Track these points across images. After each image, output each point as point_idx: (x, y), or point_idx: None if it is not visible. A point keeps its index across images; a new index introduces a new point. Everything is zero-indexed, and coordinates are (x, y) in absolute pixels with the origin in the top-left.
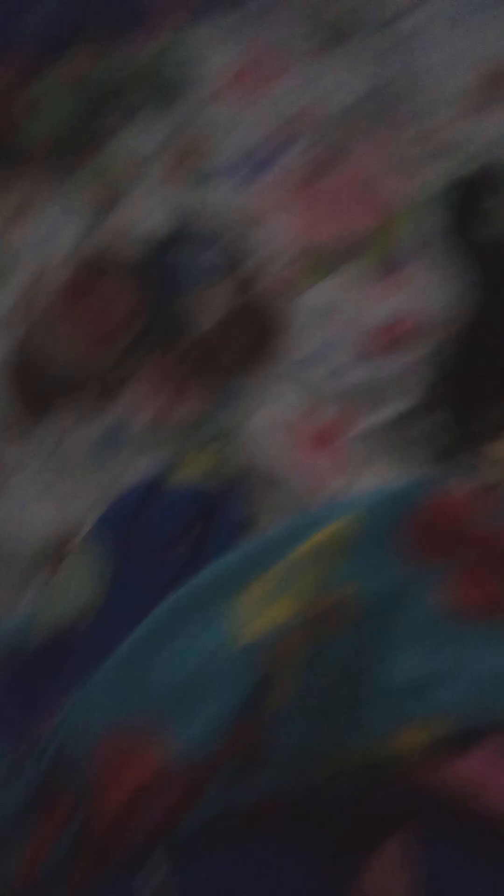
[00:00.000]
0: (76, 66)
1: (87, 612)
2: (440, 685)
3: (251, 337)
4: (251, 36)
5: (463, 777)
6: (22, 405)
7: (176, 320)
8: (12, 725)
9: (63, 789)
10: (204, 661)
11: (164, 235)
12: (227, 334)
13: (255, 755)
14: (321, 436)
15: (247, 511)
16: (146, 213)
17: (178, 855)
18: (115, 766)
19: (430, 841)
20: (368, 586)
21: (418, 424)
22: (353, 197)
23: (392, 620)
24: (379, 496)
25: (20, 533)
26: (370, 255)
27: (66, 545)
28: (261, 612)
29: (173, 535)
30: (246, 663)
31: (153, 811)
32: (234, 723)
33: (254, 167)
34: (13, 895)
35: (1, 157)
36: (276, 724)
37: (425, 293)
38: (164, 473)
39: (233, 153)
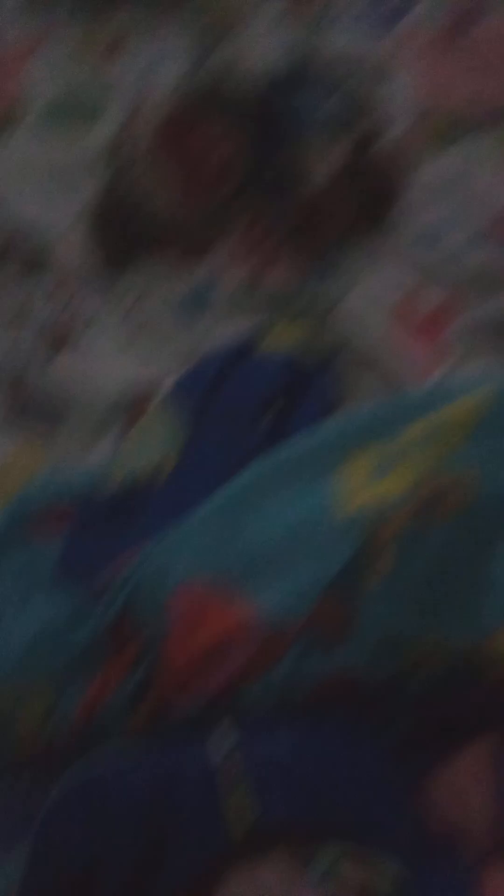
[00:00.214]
0: None
1: (162, 469)
2: None
3: (363, 203)
4: None
5: None
6: (104, 254)
7: (281, 174)
8: (81, 568)
9: (133, 634)
10: (299, 528)
11: (279, 77)
12: (336, 196)
13: (338, 631)
14: (426, 320)
15: (337, 390)
16: (260, 52)
17: (245, 728)
18: (192, 618)
19: None
20: (492, 474)
21: None
22: (497, 58)
23: None
24: None
25: (95, 386)
26: (498, 128)
27: (142, 403)
28: (367, 485)
29: (257, 403)
30: (346, 535)
31: (224, 669)
32: (323, 593)
33: (385, 15)
34: (70, 731)
35: None
36: (367, 602)
37: None
38: (251, 341)
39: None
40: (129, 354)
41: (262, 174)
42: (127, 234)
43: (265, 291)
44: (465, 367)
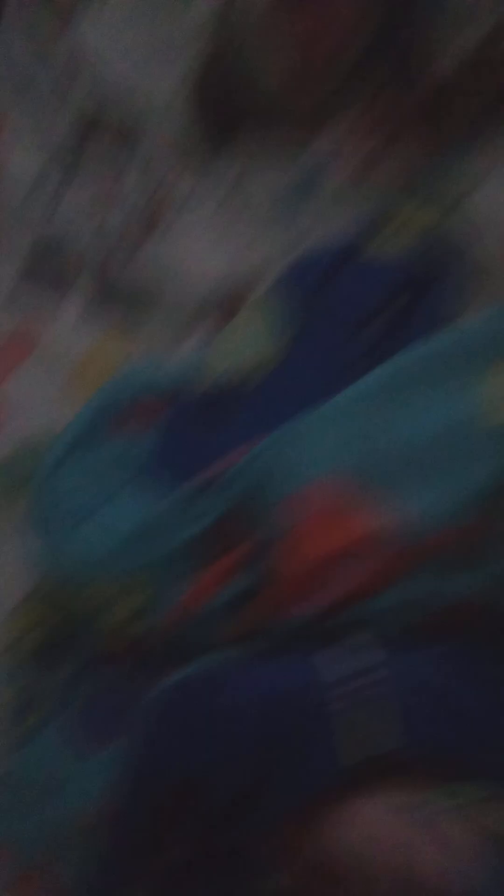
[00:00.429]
0: None
1: (262, 367)
2: None
3: (493, 99)
4: None
5: None
6: (204, 128)
7: (412, 47)
8: (180, 461)
9: (245, 533)
10: (445, 432)
11: None
12: (475, 77)
13: (479, 549)
14: None
15: (456, 301)
16: None
17: (388, 644)
18: (319, 520)
19: None
20: None
21: None
22: None
23: None
24: None
25: (187, 275)
26: None
27: (237, 297)
28: None
29: (368, 309)
30: (498, 446)
31: (348, 580)
32: (473, 506)
33: None
34: (161, 630)
35: None
36: None
37: None
38: (363, 237)
39: None
40: (225, 243)
41: (387, 48)
42: (231, 107)
43: (382, 180)
44: None
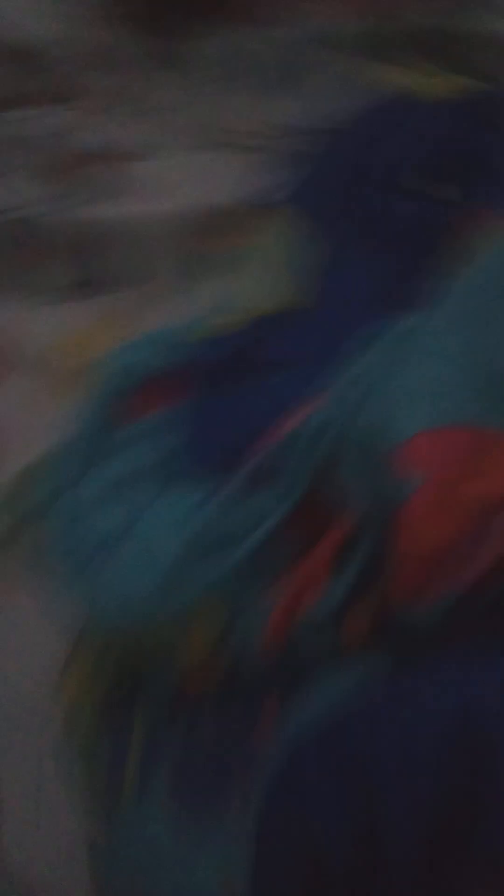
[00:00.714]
0: None
1: (295, 302)
2: None
3: None
4: None
5: None
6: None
7: None
8: (221, 446)
9: (337, 507)
10: None
11: None
12: None
13: None
14: None
15: None
16: None
17: None
18: (451, 470)
19: None
20: None
21: None
22: None
23: None
24: None
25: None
26: None
27: (232, 216)
28: None
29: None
30: None
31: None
32: None
33: None
34: (262, 654)
35: None
36: None
37: None
38: (400, 95)
39: None
40: (203, 163)
41: None
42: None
43: (401, 27)
44: None
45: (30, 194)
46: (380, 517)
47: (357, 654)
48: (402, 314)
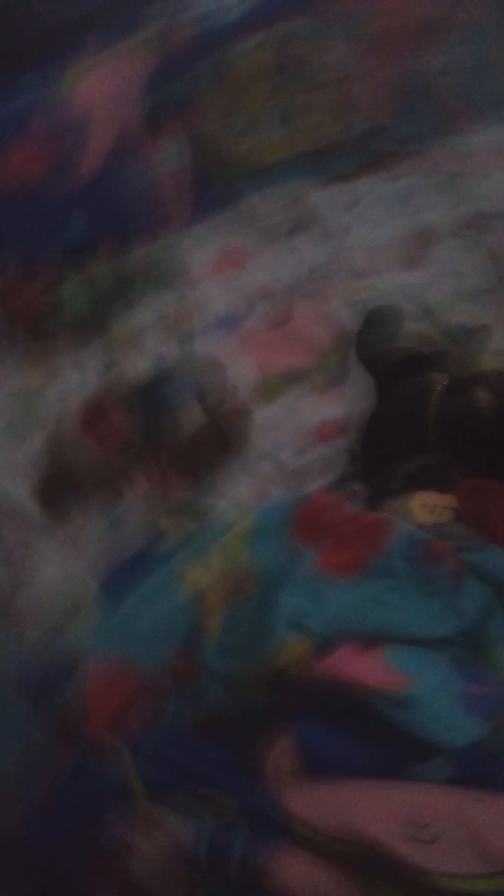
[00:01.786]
0: (92, 271)
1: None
2: (309, 617)
3: (218, 444)
4: (229, 233)
5: (326, 666)
6: (46, 509)
7: (162, 435)
8: None
9: (66, 713)
10: (162, 611)
11: (151, 379)
12: (199, 443)
13: (195, 680)
14: None
15: None
16: (139, 365)
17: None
18: (103, 683)
19: (302, 720)
20: (266, 564)
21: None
22: (295, 344)
23: (282, 583)
24: (270, 506)
25: (39, 589)
26: (307, 381)
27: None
28: (196, 581)
29: None
30: (185, 610)
31: (134, 719)
32: (175, 654)
33: (226, 328)
34: (37, 804)
35: (36, 338)
36: (208, 656)
37: (346, 404)
38: (150, 544)
39: (211, 319)
40: (64, 568)
41: (150, 438)
42: (60, 490)
43: (164, 507)
44: None
45: None
46: (81, 712)
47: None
48: None
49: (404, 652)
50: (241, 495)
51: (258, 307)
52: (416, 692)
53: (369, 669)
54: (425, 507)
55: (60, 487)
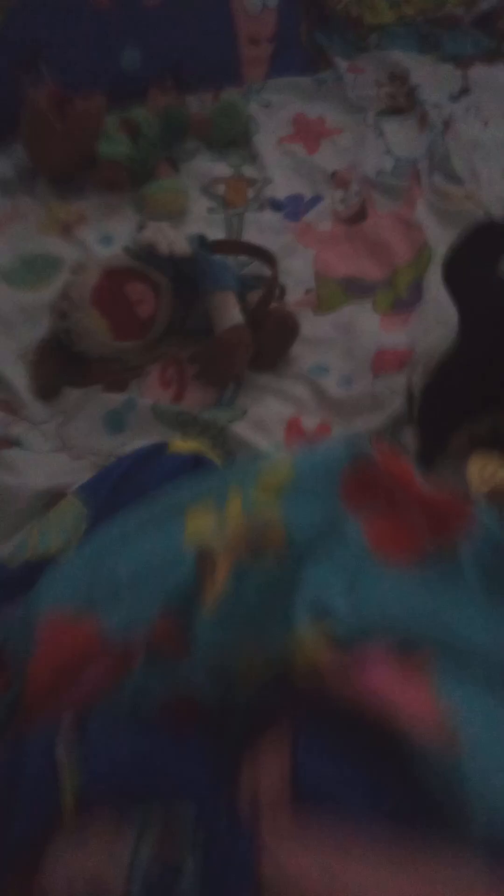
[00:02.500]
0: (137, 117)
1: (68, 548)
2: (339, 601)
3: (251, 351)
4: (307, 100)
5: (360, 686)
6: (37, 386)
7: (187, 326)
8: None
9: (9, 662)
10: (152, 561)
11: (186, 258)
12: (229, 344)
13: (178, 651)
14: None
15: None
16: (175, 240)
17: (92, 731)
18: (53, 640)
19: (303, 736)
20: (299, 527)
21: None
22: (364, 248)
23: (315, 555)
24: (316, 455)
25: (24, 486)
26: (371, 297)
27: (60, 496)
28: (205, 528)
29: (158, 484)
30: (182, 565)
31: (79, 684)
32: (158, 613)
33: (286, 214)
34: None
35: (61, 191)
36: (201, 626)
37: (412, 333)
38: (158, 446)
39: (269, 199)
40: (55, 461)
41: (174, 325)
42: (58, 370)
43: (175, 414)
44: None
45: None
46: (24, 664)
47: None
48: None
49: (455, 679)
50: (266, 419)
51: (327, 195)
52: (466, 756)
53: (415, 704)
54: (484, 473)
55: (58, 370)
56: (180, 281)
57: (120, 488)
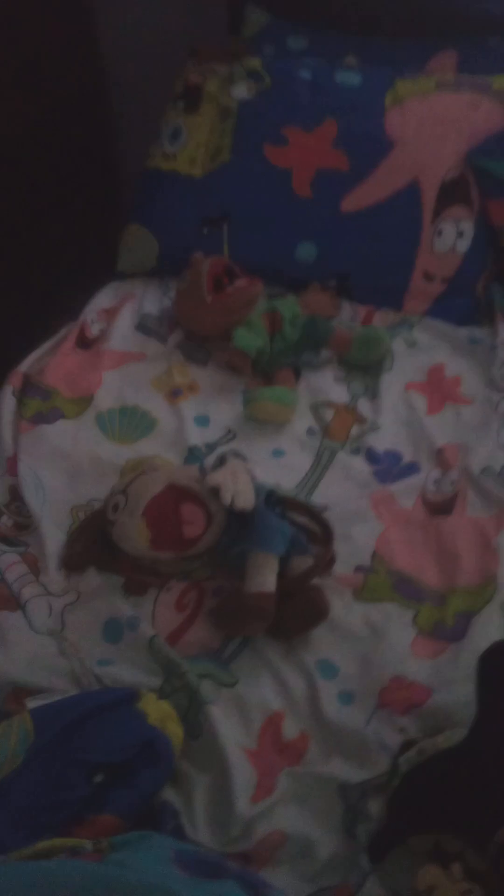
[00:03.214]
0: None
1: (3, 767)
2: None
3: (296, 619)
4: (467, 356)
5: None
6: (68, 554)
7: (238, 559)
8: None
9: None
10: None
11: (261, 503)
12: (264, 609)
13: None
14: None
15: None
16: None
17: None
18: None
19: None
20: None
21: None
22: (438, 549)
23: None
24: None
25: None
26: (422, 610)
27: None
28: None
29: (103, 757)
30: None
31: None
32: None
33: (390, 468)
34: None
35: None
36: None
37: (441, 673)
38: (128, 697)
39: (382, 445)
40: (43, 648)
41: (220, 552)
42: (91, 548)
43: (167, 657)
44: None
45: None
46: None
47: None
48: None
49: None
50: (250, 704)
51: (425, 469)
52: None
53: None
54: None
55: (91, 548)
56: (236, 516)
57: (71, 732)
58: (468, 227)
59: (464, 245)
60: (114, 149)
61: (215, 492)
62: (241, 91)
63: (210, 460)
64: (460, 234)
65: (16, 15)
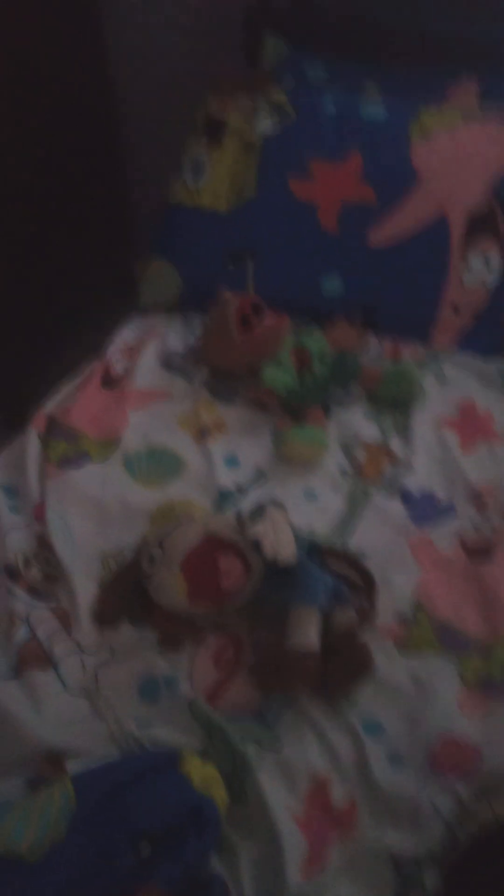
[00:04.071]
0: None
1: (36, 847)
2: None
3: (340, 676)
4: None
5: None
6: (100, 609)
7: (279, 610)
8: None
9: None
10: None
11: (304, 555)
12: (308, 671)
13: None
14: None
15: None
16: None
17: None
18: None
19: None
20: None
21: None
22: (481, 596)
23: None
24: None
25: (30, 732)
26: (467, 662)
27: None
28: None
29: (146, 826)
30: None
31: None
32: None
33: (426, 510)
34: None
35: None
36: None
37: (490, 732)
38: (171, 759)
39: (416, 485)
40: (75, 709)
41: (259, 603)
42: (125, 600)
43: (207, 718)
44: None
45: None
46: None
47: None
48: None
49: None
50: (295, 770)
51: (462, 511)
52: None
53: None
54: None
55: (125, 601)
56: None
57: (114, 798)
58: (496, 260)
59: (492, 278)
60: (127, 181)
61: (255, 543)
62: (266, 126)
63: (246, 507)
64: (488, 267)
65: (29, 48)
